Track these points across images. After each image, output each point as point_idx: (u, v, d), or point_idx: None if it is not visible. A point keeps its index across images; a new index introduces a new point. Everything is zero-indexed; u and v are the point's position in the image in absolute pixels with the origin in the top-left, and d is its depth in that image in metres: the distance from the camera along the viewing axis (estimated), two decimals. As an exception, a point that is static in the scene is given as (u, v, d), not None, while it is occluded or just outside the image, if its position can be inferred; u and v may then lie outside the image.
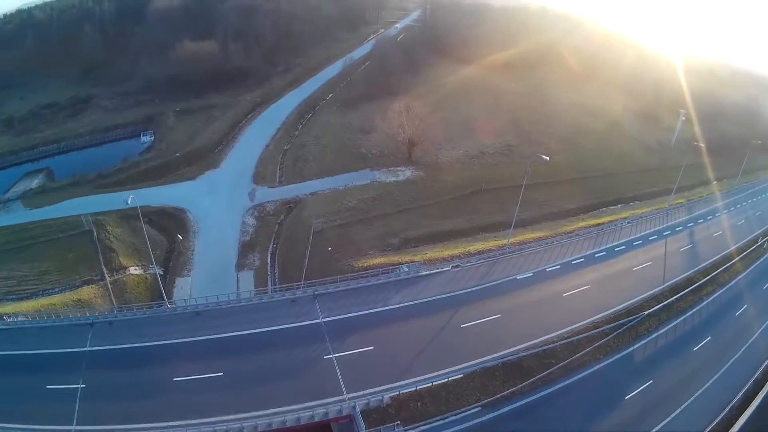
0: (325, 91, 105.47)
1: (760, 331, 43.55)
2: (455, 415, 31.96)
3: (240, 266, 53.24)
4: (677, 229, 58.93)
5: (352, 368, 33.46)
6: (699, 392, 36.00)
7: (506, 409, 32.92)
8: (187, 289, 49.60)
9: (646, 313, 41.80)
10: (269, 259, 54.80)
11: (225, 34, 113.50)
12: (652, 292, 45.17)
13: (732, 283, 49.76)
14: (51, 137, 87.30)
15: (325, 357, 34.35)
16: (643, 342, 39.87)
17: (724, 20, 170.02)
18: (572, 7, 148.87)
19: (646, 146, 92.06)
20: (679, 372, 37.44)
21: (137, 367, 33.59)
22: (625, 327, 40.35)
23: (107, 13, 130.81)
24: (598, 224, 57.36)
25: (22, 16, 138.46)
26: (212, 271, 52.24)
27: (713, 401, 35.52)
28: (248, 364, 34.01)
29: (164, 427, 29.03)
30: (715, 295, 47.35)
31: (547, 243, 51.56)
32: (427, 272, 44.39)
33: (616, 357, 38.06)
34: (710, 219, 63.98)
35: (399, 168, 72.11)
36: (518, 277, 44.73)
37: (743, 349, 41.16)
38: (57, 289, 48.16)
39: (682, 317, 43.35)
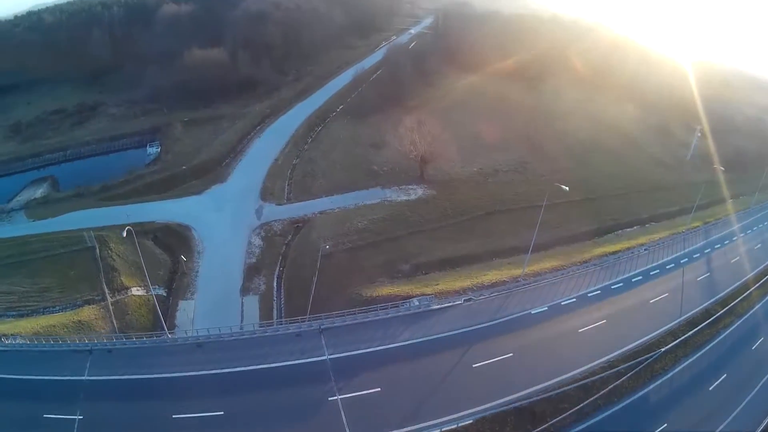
0: (335, 101, 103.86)
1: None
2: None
3: (245, 290, 52.19)
4: (694, 256, 57.18)
5: (357, 411, 32.27)
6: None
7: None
8: (190, 313, 48.77)
9: (662, 350, 40.21)
10: (275, 283, 53.50)
11: (234, 42, 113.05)
12: (669, 326, 43.54)
13: (749, 314, 48.29)
14: (57, 145, 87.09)
15: (330, 399, 33.16)
16: (659, 382, 38.41)
17: (737, 26, 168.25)
18: (582, 12, 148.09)
19: (660, 162, 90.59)
20: (694, 414, 36.10)
21: (136, 401, 33.04)
22: (640, 366, 38.74)
23: (116, 17, 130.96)
24: (615, 252, 55.69)
25: (31, 19, 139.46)
26: (216, 295, 51.20)
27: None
28: (250, 402, 33.03)
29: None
30: (732, 327, 45.94)
31: (563, 273, 49.86)
32: (438, 306, 42.87)
33: (631, 399, 36.60)
34: (727, 243, 62.20)
35: (411, 186, 70.39)
36: (533, 312, 43.08)
37: (758, 386, 39.78)
38: (58, 308, 47.79)
39: (699, 353, 41.87)
